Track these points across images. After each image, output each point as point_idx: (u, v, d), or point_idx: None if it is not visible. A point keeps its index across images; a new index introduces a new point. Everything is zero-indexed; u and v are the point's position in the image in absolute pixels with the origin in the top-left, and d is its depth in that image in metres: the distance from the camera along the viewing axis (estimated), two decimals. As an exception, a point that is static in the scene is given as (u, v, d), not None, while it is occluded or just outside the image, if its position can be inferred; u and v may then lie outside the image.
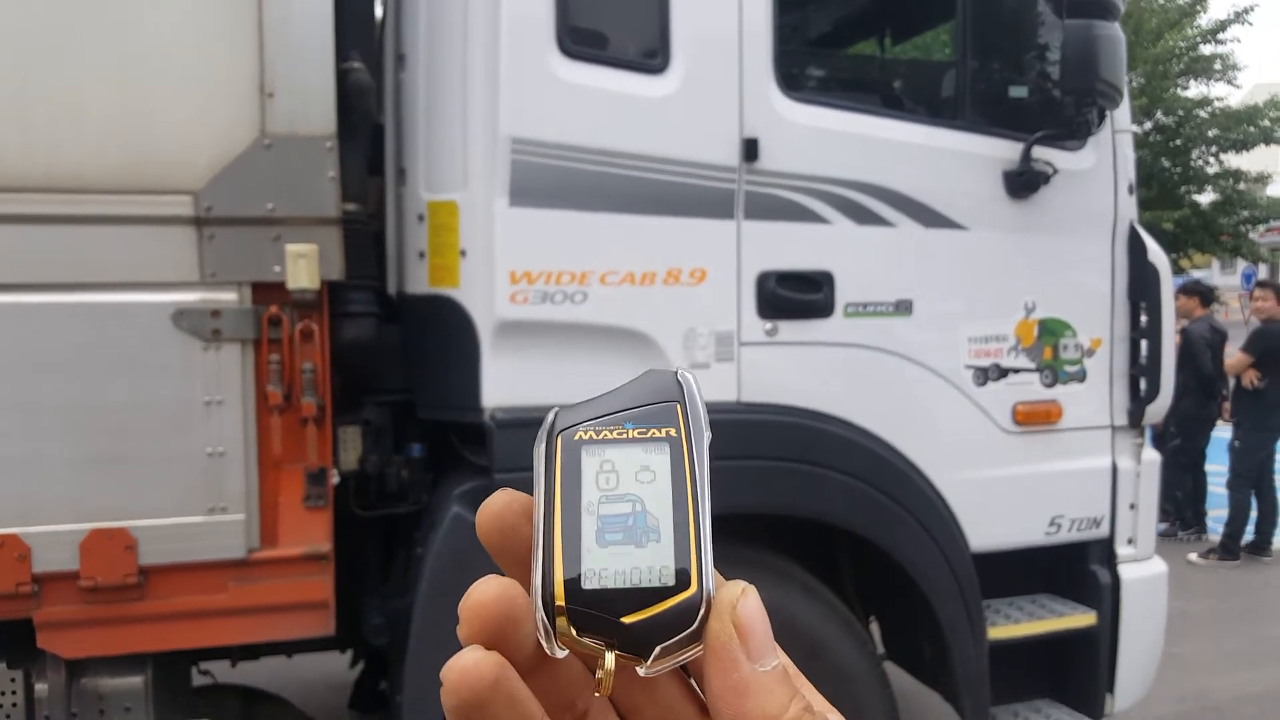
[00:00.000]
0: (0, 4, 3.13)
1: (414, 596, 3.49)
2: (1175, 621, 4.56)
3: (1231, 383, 9.73)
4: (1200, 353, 9.33)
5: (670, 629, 0.47)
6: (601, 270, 3.52)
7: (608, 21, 3.70)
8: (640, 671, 0.47)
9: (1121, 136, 4.17)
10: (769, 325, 3.70)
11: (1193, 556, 9.44)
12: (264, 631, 3.50)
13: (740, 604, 0.47)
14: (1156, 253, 4.19)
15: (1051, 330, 4.05)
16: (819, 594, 3.80)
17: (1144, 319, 4.20)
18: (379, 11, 4.08)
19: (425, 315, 3.75)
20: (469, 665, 0.46)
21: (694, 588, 0.47)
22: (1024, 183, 3.91)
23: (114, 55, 3.22)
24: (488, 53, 3.46)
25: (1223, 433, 9.86)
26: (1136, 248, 4.17)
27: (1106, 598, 4.15)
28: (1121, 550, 4.22)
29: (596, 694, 0.48)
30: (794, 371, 3.75)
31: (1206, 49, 22.23)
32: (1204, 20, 22.09)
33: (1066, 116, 3.96)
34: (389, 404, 3.85)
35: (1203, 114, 22.10)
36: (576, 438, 0.51)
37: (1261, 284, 10.01)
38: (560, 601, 0.47)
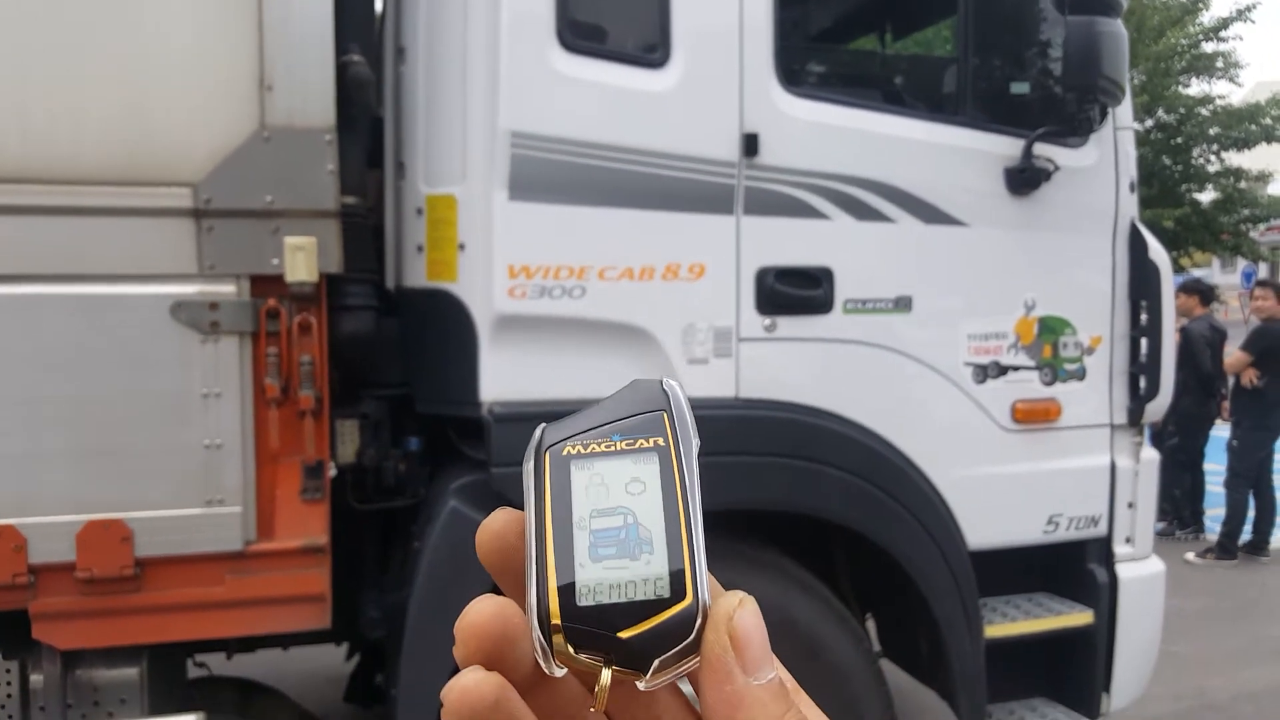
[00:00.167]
0: (-1, -6, 3.13)
1: (411, 590, 3.48)
2: (1172, 620, 4.56)
3: (1230, 381, 9.73)
4: (1200, 351, 9.32)
5: (668, 641, 0.46)
6: (600, 265, 3.52)
7: (608, 15, 3.69)
8: (640, 685, 0.47)
9: (1123, 134, 4.16)
10: (768, 321, 3.69)
11: (1190, 555, 9.44)
12: (260, 624, 3.50)
13: (737, 615, 0.47)
14: (1157, 250, 4.18)
15: (1051, 328, 4.04)
16: (815, 591, 3.79)
17: (1144, 317, 4.19)
18: (379, 5, 4.06)
19: (423, 309, 3.75)
20: (469, 686, 0.46)
21: (689, 598, 0.47)
22: (1025, 179, 3.90)
23: (113, 47, 3.21)
24: (488, 46, 3.45)
25: (1221, 432, 9.86)
26: (1137, 245, 4.16)
27: (1104, 596, 4.14)
28: (1119, 549, 4.21)
29: (593, 710, 0.48)
30: (793, 367, 3.74)
31: (1208, 46, 22.21)
32: (1206, 18, 22.08)
33: (1068, 113, 3.95)
34: (387, 397, 3.85)
35: (1204, 112, 22.09)
36: (565, 453, 0.51)
37: (1262, 283, 10.01)
38: (556, 620, 0.46)
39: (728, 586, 0.50)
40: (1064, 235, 4.09)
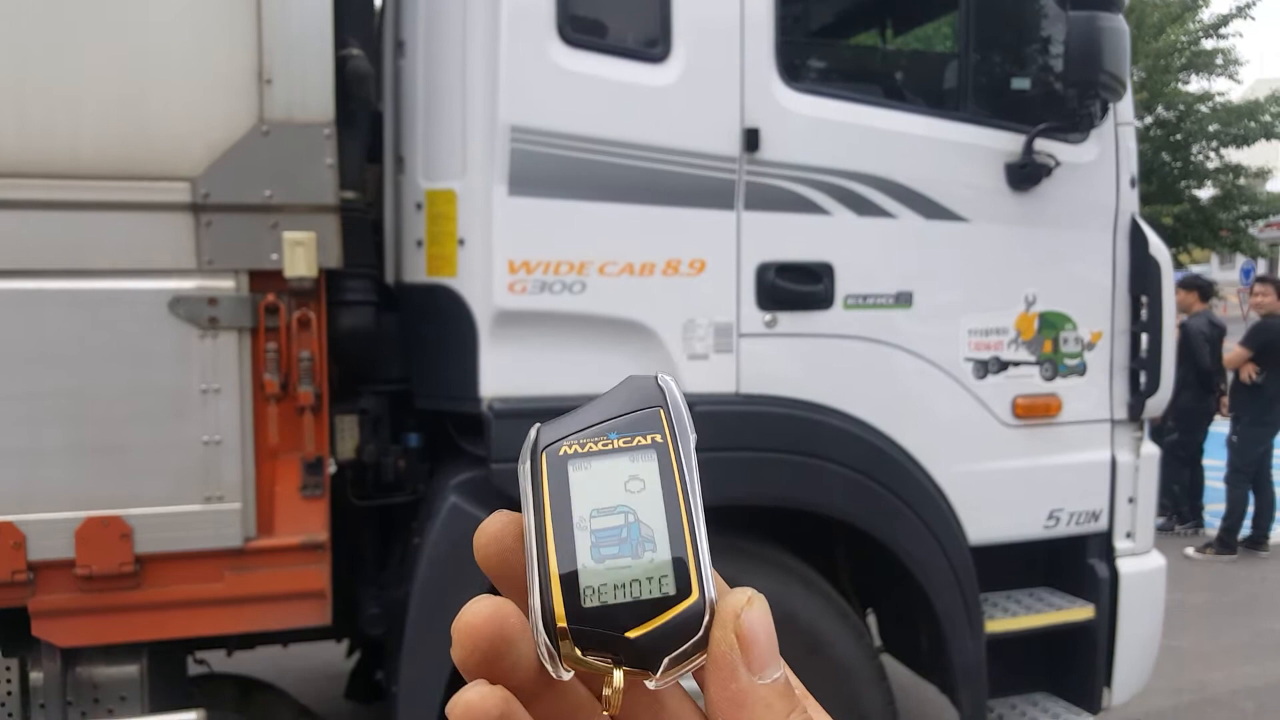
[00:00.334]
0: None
1: (410, 587, 3.48)
2: (1172, 615, 4.56)
3: (1230, 377, 9.73)
4: (1199, 347, 9.32)
5: (677, 638, 0.46)
6: (601, 260, 3.51)
7: (608, 9, 3.68)
8: (649, 685, 0.46)
9: (1124, 129, 4.15)
10: (768, 316, 3.68)
11: (1190, 550, 9.45)
12: (260, 621, 3.50)
13: (744, 614, 0.46)
14: (1158, 246, 4.17)
15: (1052, 323, 4.04)
16: (816, 586, 3.79)
17: (1144, 313, 4.18)
18: (378, -2, 4.06)
19: (423, 304, 3.74)
20: (474, 700, 0.45)
21: (695, 594, 0.46)
22: (1026, 175, 3.89)
23: (112, 41, 3.20)
24: (488, 40, 3.44)
25: (1221, 427, 9.87)
26: (1138, 241, 4.16)
27: (1105, 591, 4.14)
28: (1120, 544, 4.21)
29: (605, 713, 0.47)
30: (793, 363, 3.74)
31: (1208, 44, 22.24)
32: (1206, 15, 22.09)
33: (1069, 108, 3.95)
34: (386, 393, 3.84)
35: (1203, 109, 22.12)
36: (561, 453, 0.50)
37: (1262, 279, 10.01)
38: (562, 623, 0.46)
39: (729, 582, 0.49)
40: (1064, 231, 4.08)
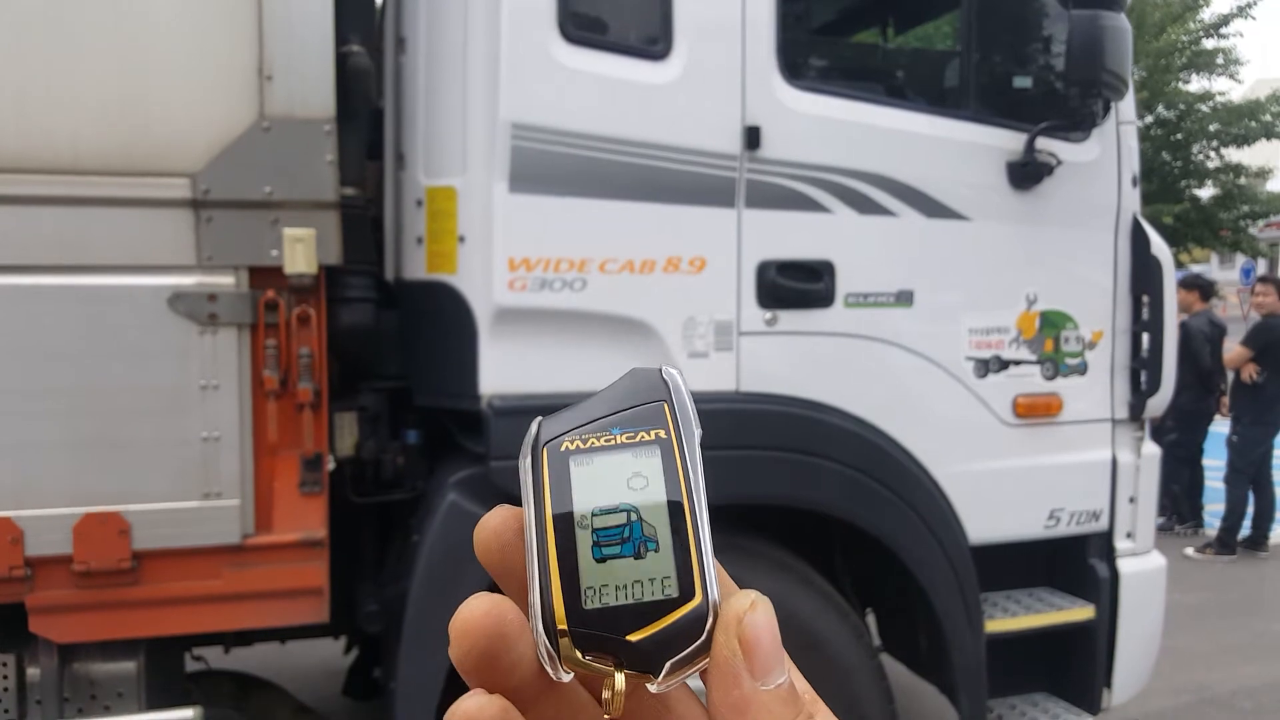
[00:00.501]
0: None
1: (409, 584, 3.47)
2: (1171, 615, 4.56)
3: (1230, 377, 9.72)
4: (1199, 347, 9.31)
5: (679, 643, 0.45)
6: (601, 258, 3.50)
7: (610, 6, 3.67)
8: (651, 688, 0.46)
9: (1126, 128, 4.14)
10: (769, 315, 3.68)
11: (1189, 550, 9.45)
12: (258, 617, 3.49)
13: (748, 618, 0.45)
14: (1159, 246, 4.16)
15: (1053, 322, 4.03)
16: (815, 585, 3.78)
17: (1146, 312, 4.17)
18: (379, -6, 4.05)
19: (423, 301, 3.73)
20: (472, 710, 0.44)
21: (699, 597, 0.45)
22: (1027, 174, 3.88)
23: (113, 36, 3.19)
24: (489, 37, 3.43)
25: (1221, 427, 9.86)
26: (1139, 240, 4.15)
27: (1105, 591, 4.14)
28: (1120, 544, 4.20)
29: (606, 716, 0.46)
30: (793, 361, 3.73)
31: (1209, 43, 22.21)
32: (1206, 14, 22.07)
33: (1071, 107, 3.94)
34: (386, 390, 3.84)
35: (1204, 108, 22.10)
36: (563, 448, 0.49)
37: (1263, 279, 10.00)
38: (562, 625, 0.45)
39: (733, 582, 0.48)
40: (1066, 230, 4.08)
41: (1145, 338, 4.18)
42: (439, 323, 3.63)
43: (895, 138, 3.81)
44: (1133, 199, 4.17)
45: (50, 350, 3.19)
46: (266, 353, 3.34)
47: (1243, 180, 22.98)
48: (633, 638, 0.45)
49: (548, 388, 3.49)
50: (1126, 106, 4.13)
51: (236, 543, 3.34)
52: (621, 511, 0.47)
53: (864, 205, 3.74)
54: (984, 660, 3.91)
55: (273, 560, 3.38)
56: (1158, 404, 4.23)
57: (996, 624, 3.98)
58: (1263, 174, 23.57)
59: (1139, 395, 4.19)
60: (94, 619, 3.26)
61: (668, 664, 0.45)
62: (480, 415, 3.46)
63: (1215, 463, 10.03)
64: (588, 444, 0.49)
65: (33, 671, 3.36)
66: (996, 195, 3.92)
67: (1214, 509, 9.87)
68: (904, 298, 3.82)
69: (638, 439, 0.49)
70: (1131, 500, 4.21)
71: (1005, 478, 4.01)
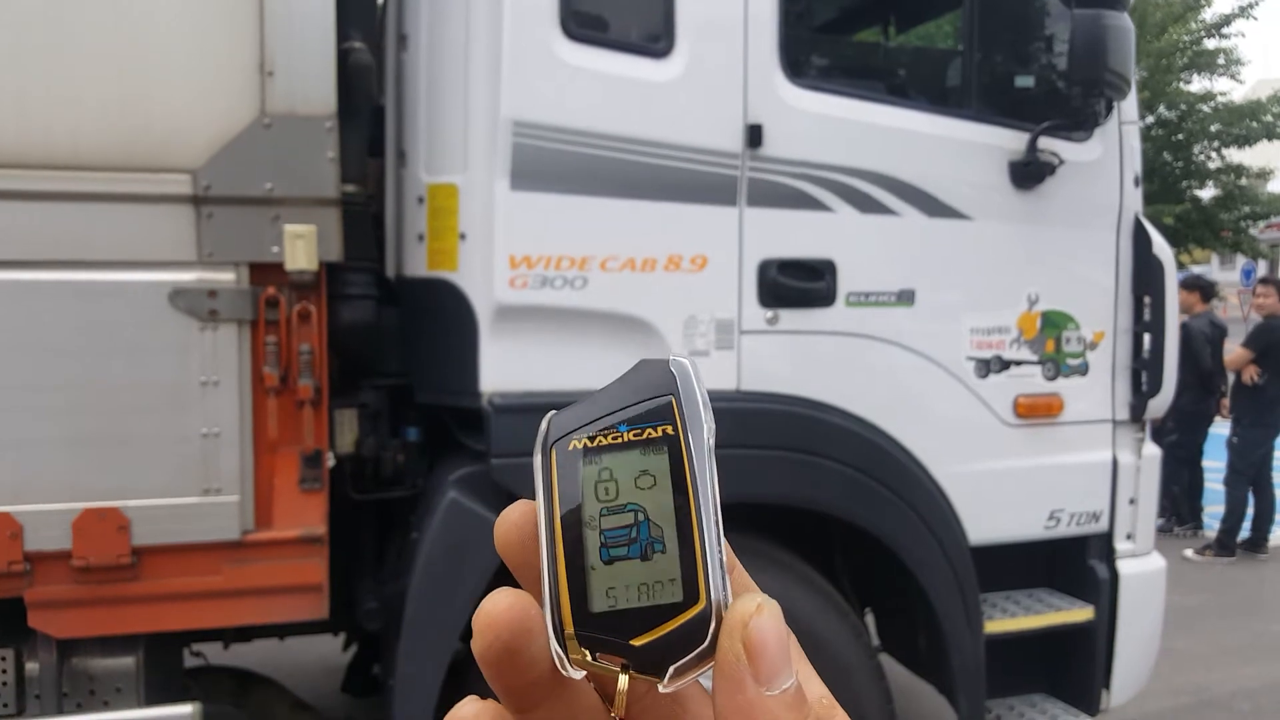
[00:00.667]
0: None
1: (408, 581, 3.47)
2: (1170, 616, 4.55)
3: (1231, 379, 9.71)
4: (1200, 348, 9.30)
5: (682, 648, 0.45)
6: (602, 255, 3.50)
7: (612, 4, 3.67)
8: (659, 689, 0.45)
9: (1128, 128, 4.14)
10: (770, 313, 3.67)
11: (1188, 552, 9.44)
12: (257, 614, 3.49)
13: (753, 622, 0.44)
14: (1161, 246, 4.16)
15: (1054, 323, 4.03)
16: (815, 584, 3.78)
17: (1147, 313, 4.17)
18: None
19: (423, 299, 3.73)
20: (467, 717, 0.45)
21: (703, 602, 0.45)
22: (1029, 173, 3.88)
23: (113, 32, 3.18)
24: (490, 34, 3.43)
25: (1221, 429, 9.85)
26: (1141, 241, 4.14)
27: (1105, 592, 4.13)
28: (1120, 545, 4.20)
29: (613, 714, 0.46)
30: (794, 360, 3.73)
31: (1210, 43, 22.17)
32: (1208, 14, 22.03)
33: (1073, 107, 3.93)
34: (386, 387, 3.83)
35: (1205, 109, 22.06)
36: (571, 446, 0.48)
37: (1264, 280, 9.99)
38: (569, 629, 0.45)
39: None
40: (1068, 230, 4.07)
41: (1147, 338, 4.18)
42: (440, 320, 3.63)
43: (897, 136, 3.80)
44: (1135, 199, 4.17)
45: (50, 346, 3.19)
46: (267, 349, 3.34)
47: (1244, 181, 22.94)
48: (637, 642, 0.45)
49: (548, 385, 3.48)
50: (1129, 106, 4.12)
51: (236, 539, 3.33)
52: (629, 511, 0.46)
53: (866, 204, 3.73)
54: (983, 660, 3.91)
55: (272, 556, 3.37)
56: (1159, 405, 4.23)
57: (996, 624, 3.98)
58: (1264, 175, 23.54)
59: (1140, 396, 4.18)
60: (93, 614, 3.26)
61: (671, 668, 0.45)
62: (481, 413, 3.45)
63: (1215, 464, 10.03)
64: (596, 442, 0.48)
65: (31, 666, 3.36)
66: (998, 195, 3.91)
67: (1213, 510, 9.87)
68: (905, 297, 3.82)
69: (645, 436, 0.48)
70: (1132, 501, 4.20)
71: (1006, 478, 4.01)
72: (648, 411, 0.48)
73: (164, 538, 3.27)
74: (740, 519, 3.68)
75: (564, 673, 0.45)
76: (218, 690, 4.10)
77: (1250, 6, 21.22)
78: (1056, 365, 4.04)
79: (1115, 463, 4.17)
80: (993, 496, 3.99)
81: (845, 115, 3.75)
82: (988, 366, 3.94)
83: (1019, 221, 3.96)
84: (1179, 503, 10.15)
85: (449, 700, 3.36)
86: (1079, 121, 3.97)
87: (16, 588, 3.18)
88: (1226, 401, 9.72)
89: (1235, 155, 22.63)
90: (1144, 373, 4.18)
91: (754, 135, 3.59)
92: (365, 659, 5.13)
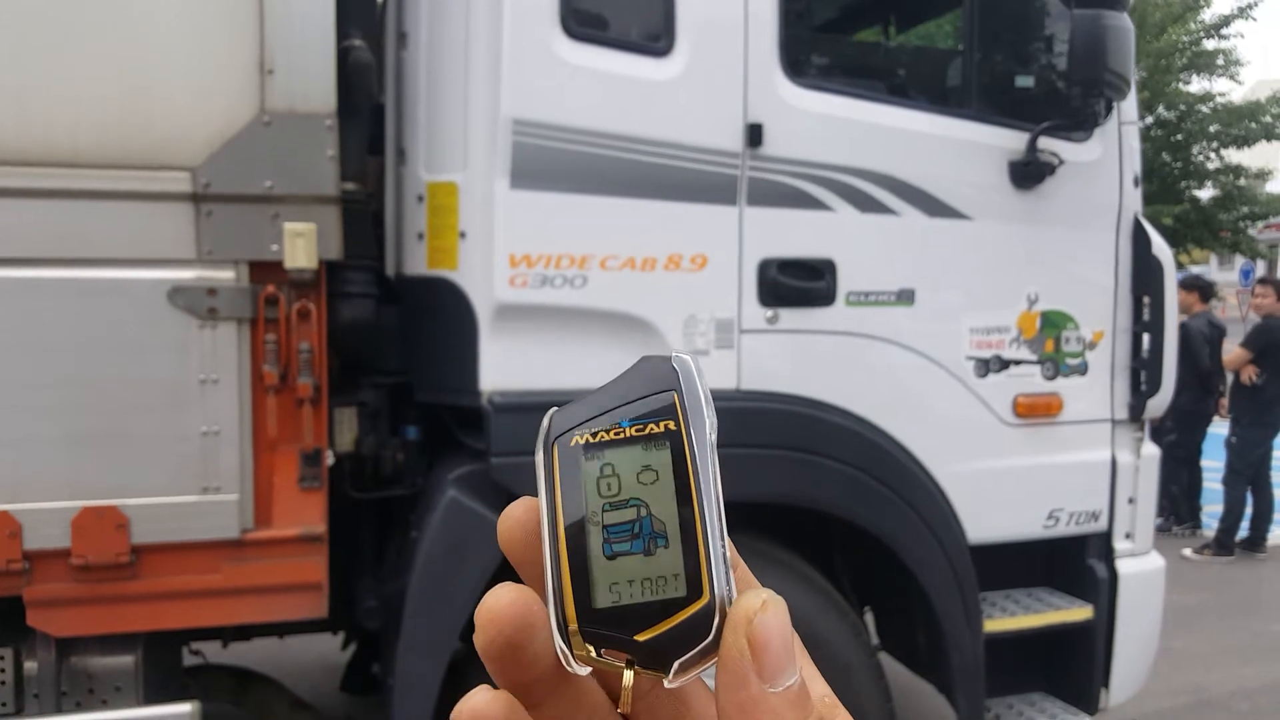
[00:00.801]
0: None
1: (408, 580, 3.46)
2: (1169, 616, 4.55)
3: (1230, 378, 9.72)
4: (1199, 348, 9.31)
5: (687, 642, 0.45)
6: (602, 254, 3.50)
7: (612, 3, 3.67)
8: (665, 684, 0.45)
9: (1128, 128, 4.14)
10: (770, 313, 3.67)
11: (1187, 552, 9.45)
12: (257, 612, 3.48)
13: (758, 619, 0.44)
14: (1160, 246, 4.16)
15: (1054, 322, 4.03)
16: (815, 583, 3.78)
17: (1147, 313, 4.17)
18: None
19: (423, 297, 3.72)
20: (479, 706, 0.45)
21: (706, 596, 0.45)
22: (1029, 173, 3.88)
23: (113, 29, 3.18)
24: (490, 32, 3.42)
25: (1219, 428, 9.86)
26: (1140, 241, 4.14)
27: (1104, 592, 4.14)
28: (1119, 545, 4.20)
29: (619, 710, 0.46)
30: (794, 360, 3.72)
31: (1209, 44, 22.18)
32: (1207, 15, 22.04)
33: (1073, 107, 3.93)
34: (386, 386, 3.83)
35: (1204, 109, 22.07)
36: (573, 442, 0.48)
37: (1263, 280, 10.00)
38: (573, 624, 0.45)
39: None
40: (1067, 230, 4.07)
41: (1146, 338, 4.18)
42: (439, 318, 3.62)
43: (897, 136, 3.80)
44: (1134, 199, 4.17)
45: (49, 344, 3.18)
46: (266, 347, 3.34)
47: (1242, 181, 22.95)
48: (641, 637, 0.44)
49: (548, 384, 3.48)
50: (1128, 106, 4.12)
51: (235, 537, 3.33)
52: (631, 507, 0.46)
53: (866, 204, 3.73)
54: (982, 659, 3.91)
55: (272, 555, 3.37)
56: (1158, 405, 4.23)
57: (995, 623, 3.98)
58: (1262, 175, 23.55)
59: (1139, 396, 4.19)
60: (92, 613, 3.26)
61: (676, 663, 0.44)
62: (480, 411, 3.45)
63: (1214, 464, 10.04)
64: (597, 438, 0.48)
65: (30, 665, 3.35)
66: (998, 194, 3.91)
67: (1212, 510, 9.87)
68: (905, 297, 3.82)
69: (648, 431, 0.48)
70: (1131, 501, 4.21)
71: (1005, 477, 4.01)
72: (650, 408, 0.48)
73: (163, 536, 3.27)
74: (740, 518, 3.67)
75: (569, 669, 0.45)
76: (217, 689, 4.10)
77: (1249, 7, 21.23)
78: (1056, 365, 4.04)
79: (1114, 462, 4.17)
80: (992, 496, 3.99)
81: (845, 115, 3.75)
82: (987, 366, 3.94)
83: (1019, 221, 3.96)
84: (1178, 502, 10.15)
85: (449, 699, 3.34)
86: (1079, 122, 3.97)
87: (15, 586, 3.18)
88: (1225, 401, 9.72)
89: (1234, 156, 22.65)
90: (1143, 372, 4.18)
91: (754, 134, 3.58)
92: (364, 658, 5.13)
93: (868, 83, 4.19)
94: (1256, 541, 9.55)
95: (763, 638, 0.44)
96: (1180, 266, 21.98)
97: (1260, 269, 27.57)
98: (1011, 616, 4.04)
